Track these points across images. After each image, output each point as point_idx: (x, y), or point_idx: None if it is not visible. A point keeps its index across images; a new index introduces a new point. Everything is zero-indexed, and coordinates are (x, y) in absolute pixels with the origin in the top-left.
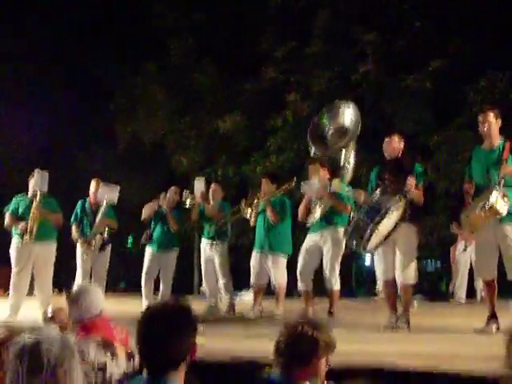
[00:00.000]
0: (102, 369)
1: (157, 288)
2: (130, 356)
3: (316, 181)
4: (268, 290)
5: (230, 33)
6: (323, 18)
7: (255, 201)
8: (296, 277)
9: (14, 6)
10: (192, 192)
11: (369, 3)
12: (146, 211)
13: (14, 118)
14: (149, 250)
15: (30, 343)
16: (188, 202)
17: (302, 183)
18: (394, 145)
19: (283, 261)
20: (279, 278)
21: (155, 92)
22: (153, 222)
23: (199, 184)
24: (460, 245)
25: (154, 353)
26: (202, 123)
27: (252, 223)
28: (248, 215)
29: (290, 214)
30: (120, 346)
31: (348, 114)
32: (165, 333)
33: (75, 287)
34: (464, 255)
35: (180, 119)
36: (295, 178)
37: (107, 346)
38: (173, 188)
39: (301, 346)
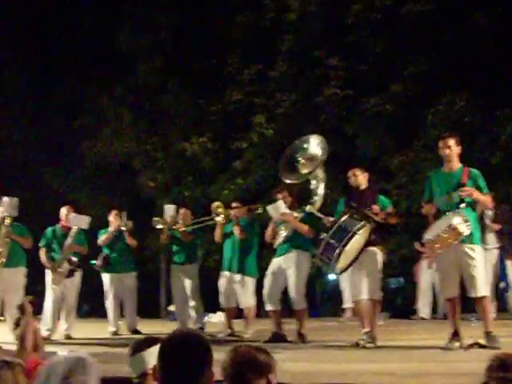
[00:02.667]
0: None
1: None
2: None
3: (281, 203)
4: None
5: (195, 54)
6: (287, 42)
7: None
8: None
9: None
10: (161, 217)
11: (331, 28)
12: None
13: None
14: (107, 275)
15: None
16: (159, 226)
17: (268, 206)
18: (357, 177)
19: (252, 283)
20: (247, 300)
21: (122, 113)
22: (107, 247)
23: (169, 210)
24: (424, 263)
25: None
26: (169, 144)
27: (216, 237)
28: (219, 218)
29: (258, 237)
30: None
31: (315, 143)
32: (192, 365)
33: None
34: (427, 273)
35: (147, 140)
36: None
37: None
38: (113, 211)
39: (244, 367)
